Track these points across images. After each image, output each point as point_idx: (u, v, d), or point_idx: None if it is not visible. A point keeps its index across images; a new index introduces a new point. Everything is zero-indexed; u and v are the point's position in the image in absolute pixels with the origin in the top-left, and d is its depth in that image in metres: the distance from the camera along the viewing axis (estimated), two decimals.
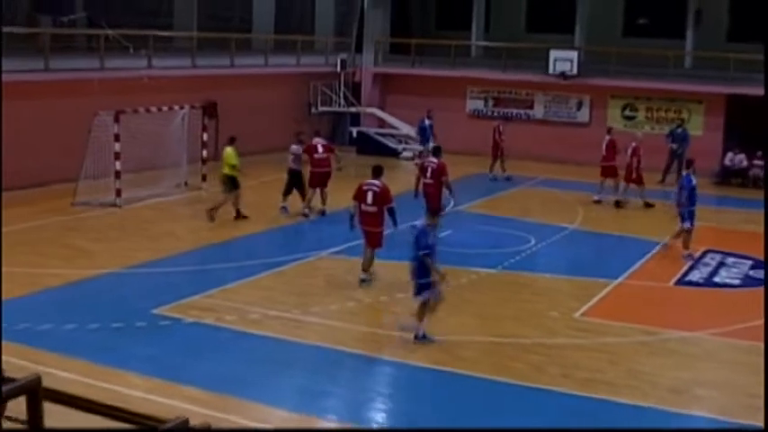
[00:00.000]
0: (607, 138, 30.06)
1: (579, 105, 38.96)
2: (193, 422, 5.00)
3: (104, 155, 25.78)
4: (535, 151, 33.67)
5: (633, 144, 28.89)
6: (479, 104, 40.71)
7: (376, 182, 19.54)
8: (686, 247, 22.27)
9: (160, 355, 14.78)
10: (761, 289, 20.09)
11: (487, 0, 43.21)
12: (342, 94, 40.45)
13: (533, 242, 23.56)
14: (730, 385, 14.52)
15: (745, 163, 34.27)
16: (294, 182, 25.89)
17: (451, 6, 45.09)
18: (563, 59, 37.60)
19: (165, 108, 28.17)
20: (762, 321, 17.20)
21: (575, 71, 37.48)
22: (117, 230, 23.54)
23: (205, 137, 29.45)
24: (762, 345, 15.79)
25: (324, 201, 25.76)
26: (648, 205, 28.51)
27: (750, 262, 22.16)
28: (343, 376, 14.57)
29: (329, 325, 16.52)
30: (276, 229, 24.28)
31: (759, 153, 33.17)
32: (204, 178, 28.94)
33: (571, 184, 32.76)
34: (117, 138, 25.52)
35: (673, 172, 32.42)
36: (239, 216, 24.62)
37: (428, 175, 22.88)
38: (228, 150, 24.57)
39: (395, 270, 20.21)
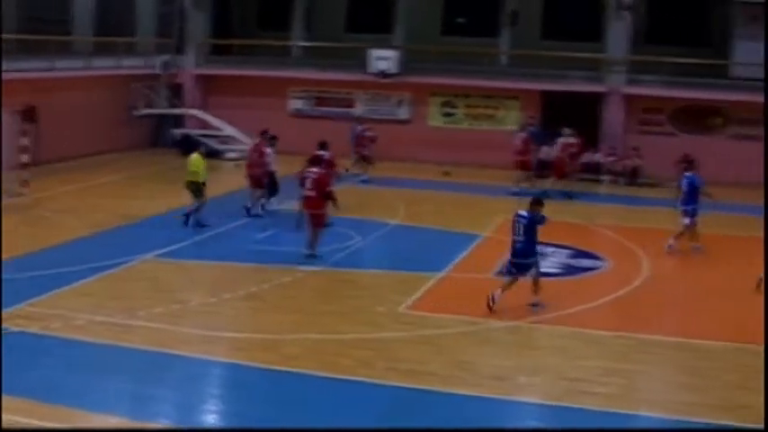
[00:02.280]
0: (522, 134, 31.93)
1: (400, 103, 39.62)
2: None
3: None
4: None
5: (562, 140, 31.26)
6: (301, 104, 40.97)
7: (314, 169, 21.59)
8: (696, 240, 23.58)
9: None
10: (579, 277, 21.07)
11: (308, 0, 43.44)
12: (164, 96, 40.07)
13: (356, 239, 23.88)
14: (551, 370, 14.99)
15: None
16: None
17: (272, 7, 45.00)
18: (383, 58, 38.19)
19: None
20: (580, 308, 18.32)
21: (394, 70, 38.09)
22: None
23: (25, 141, 28.78)
24: (581, 329, 16.90)
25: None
26: (569, 197, 30.46)
27: (567, 251, 23.01)
28: (171, 379, 14.46)
29: (155, 328, 16.38)
30: (99, 233, 23.83)
31: None
32: (25, 184, 28.23)
33: (392, 181, 33.28)
34: None
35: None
36: (187, 220, 24.47)
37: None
38: (194, 156, 24.88)
39: (221, 271, 20.26)
